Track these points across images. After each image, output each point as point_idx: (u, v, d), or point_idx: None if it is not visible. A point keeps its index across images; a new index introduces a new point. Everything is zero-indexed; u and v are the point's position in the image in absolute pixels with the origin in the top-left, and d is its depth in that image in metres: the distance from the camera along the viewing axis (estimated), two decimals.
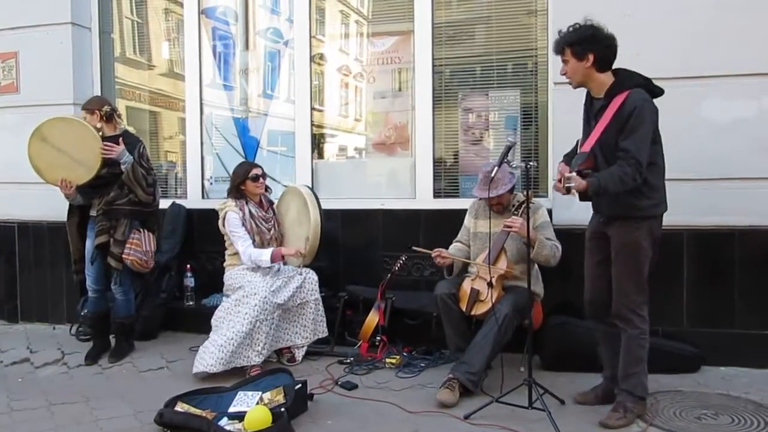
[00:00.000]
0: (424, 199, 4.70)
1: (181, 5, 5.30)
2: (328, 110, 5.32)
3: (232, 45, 5.45)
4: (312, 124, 5.06)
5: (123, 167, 4.04)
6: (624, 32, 3.96)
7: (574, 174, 2.85)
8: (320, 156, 5.21)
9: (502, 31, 4.69)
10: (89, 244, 4.18)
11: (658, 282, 3.79)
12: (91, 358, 4.23)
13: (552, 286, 3.89)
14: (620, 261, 3.08)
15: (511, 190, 3.79)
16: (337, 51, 5.33)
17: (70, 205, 4.25)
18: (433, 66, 4.70)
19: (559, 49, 3.08)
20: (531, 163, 3.22)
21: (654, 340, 3.84)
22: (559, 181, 2.89)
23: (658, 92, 3.08)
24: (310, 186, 4.85)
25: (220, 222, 4.19)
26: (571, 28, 3.07)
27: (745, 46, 3.84)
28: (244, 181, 4.19)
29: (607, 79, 3.04)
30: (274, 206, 4.42)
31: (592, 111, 3.12)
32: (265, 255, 4.04)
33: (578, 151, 3.11)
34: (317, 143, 5.18)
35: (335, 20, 5.33)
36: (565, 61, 3.08)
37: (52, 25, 5.16)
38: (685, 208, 3.70)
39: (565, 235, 3.75)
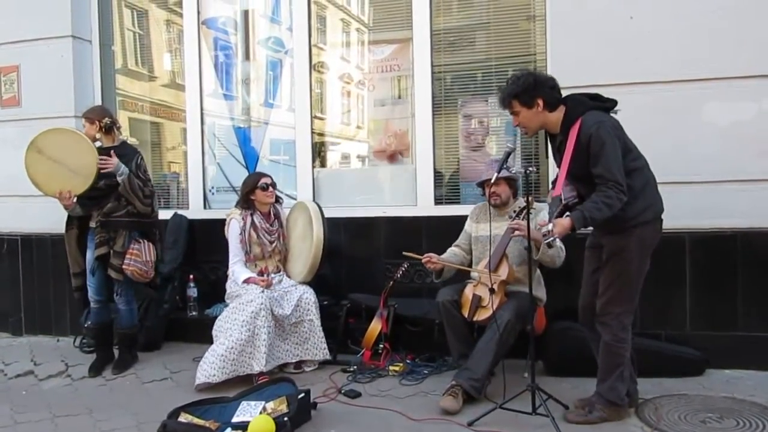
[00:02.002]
0: (426, 206, 4.69)
1: (182, 16, 5.32)
2: (329, 118, 5.32)
3: (233, 55, 5.46)
4: (313, 133, 5.06)
5: (119, 179, 4.04)
6: (623, 37, 4.01)
7: (549, 226, 2.86)
8: (322, 164, 5.20)
9: (501, 37, 4.69)
10: (89, 255, 4.19)
11: (660, 285, 3.80)
12: (95, 370, 4.23)
13: (555, 291, 3.89)
14: (607, 268, 3.10)
15: (513, 186, 3.82)
16: (338, 59, 5.34)
17: (69, 216, 4.25)
18: (433, 73, 4.70)
19: (507, 103, 3.09)
20: (531, 169, 3.24)
21: (657, 344, 3.89)
22: (544, 236, 2.91)
23: (611, 105, 3.10)
24: (312, 194, 4.89)
25: (226, 228, 4.23)
26: (510, 81, 3.10)
27: (745, 49, 3.84)
28: (254, 190, 4.21)
29: (560, 113, 3.06)
30: (283, 219, 4.41)
31: (555, 145, 3.17)
32: (242, 278, 4.09)
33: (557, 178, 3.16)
34: (318, 151, 5.18)
35: (336, 28, 5.35)
36: (516, 113, 3.09)
37: (53, 38, 5.19)
38: (686, 211, 3.71)
39: (568, 240, 3.73)
